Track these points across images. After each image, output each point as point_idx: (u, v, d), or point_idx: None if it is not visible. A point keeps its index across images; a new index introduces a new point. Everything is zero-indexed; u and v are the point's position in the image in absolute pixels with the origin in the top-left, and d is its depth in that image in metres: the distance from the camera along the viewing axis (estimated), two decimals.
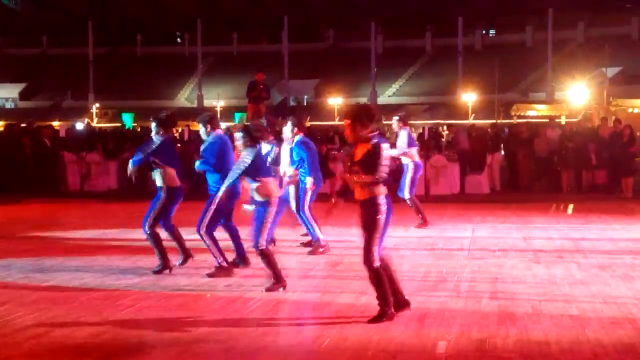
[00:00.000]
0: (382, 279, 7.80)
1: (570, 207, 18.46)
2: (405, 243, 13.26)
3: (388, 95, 67.17)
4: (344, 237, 13.58)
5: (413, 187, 15.03)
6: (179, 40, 78.10)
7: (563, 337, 7.23)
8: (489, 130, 27.60)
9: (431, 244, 13.04)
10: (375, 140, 7.69)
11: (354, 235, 13.99)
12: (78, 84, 69.02)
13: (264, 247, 9.08)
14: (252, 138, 9.20)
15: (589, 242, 13.23)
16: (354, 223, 14.92)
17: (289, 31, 68.13)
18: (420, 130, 32.43)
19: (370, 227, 7.71)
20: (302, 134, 12.15)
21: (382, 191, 7.73)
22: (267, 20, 72.03)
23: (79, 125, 38.41)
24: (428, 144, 25.87)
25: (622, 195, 21.07)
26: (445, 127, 34.18)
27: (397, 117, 15.29)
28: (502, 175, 23.92)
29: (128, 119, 50.42)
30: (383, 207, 7.71)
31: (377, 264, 7.74)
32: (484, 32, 70.89)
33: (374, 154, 7.63)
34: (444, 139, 28.30)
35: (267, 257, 9.11)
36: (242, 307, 8.51)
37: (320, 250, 11.94)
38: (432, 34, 70.43)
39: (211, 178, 10.30)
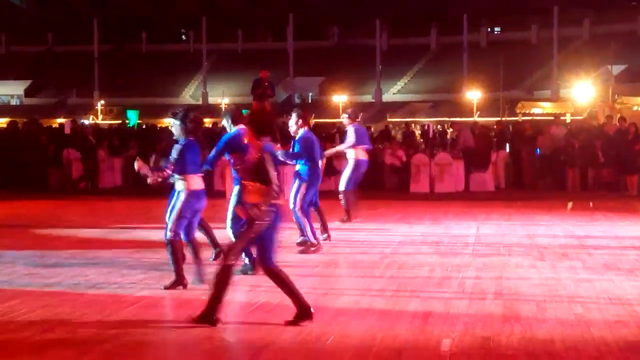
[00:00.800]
0: (225, 281, 7.46)
1: (570, 204, 18.39)
2: (410, 240, 13.25)
3: (393, 92, 67.17)
4: (347, 234, 13.59)
5: (350, 183, 14.74)
6: (183, 37, 78.15)
7: (568, 336, 7.21)
8: (494, 127, 27.58)
9: (436, 242, 13.01)
10: (264, 149, 7.52)
11: (359, 232, 14.02)
12: (83, 81, 69.11)
13: (172, 238, 8.99)
14: (186, 130, 9.14)
15: (593, 240, 13.20)
16: (357, 222, 14.94)
17: (294, 29, 68.15)
18: (426, 128, 32.38)
19: (246, 227, 7.47)
20: (306, 128, 12.12)
21: (266, 199, 7.45)
22: (271, 18, 72.02)
23: (85, 123, 38.47)
24: (433, 141, 25.82)
25: (627, 193, 21.04)
26: (449, 125, 34.14)
27: (346, 115, 15.33)
28: (507, 173, 23.90)
29: (133, 116, 50.44)
30: (262, 215, 7.40)
31: (230, 262, 7.49)
32: (488, 29, 70.83)
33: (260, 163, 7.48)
34: (449, 137, 28.23)
35: (173, 248, 8.99)
36: (245, 305, 8.49)
37: (312, 249, 11.66)
38: (437, 31, 70.36)
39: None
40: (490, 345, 6.96)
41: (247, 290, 9.14)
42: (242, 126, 10.35)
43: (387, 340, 7.10)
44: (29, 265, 10.90)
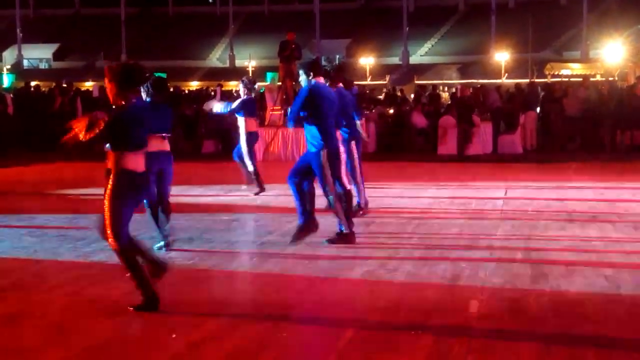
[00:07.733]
0: (134, 262, 6.91)
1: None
2: (438, 203, 13.22)
3: (420, 54, 66.64)
4: (375, 195, 13.58)
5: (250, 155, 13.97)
6: (210, 0, 77.88)
7: (597, 297, 7.19)
8: (522, 87, 27.28)
9: (464, 204, 12.98)
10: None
11: (387, 194, 14.01)
12: (110, 44, 69.19)
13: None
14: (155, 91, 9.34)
15: (623, 202, 13.11)
16: (388, 183, 14.90)
17: None
18: (454, 90, 32.16)
19: (115, 198, 6.70)
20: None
21: (133, 163, 6.74)
22: None
23: None
24: (461, 103, 25.60)
25: None
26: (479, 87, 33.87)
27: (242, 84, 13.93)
28: (537, 135, 23.74)
29: None
30: (133, 181, 6.75)
31: (123, 241, 6.84)
32: None
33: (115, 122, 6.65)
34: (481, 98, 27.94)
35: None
36: (274, 266, 8.53)
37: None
38: None
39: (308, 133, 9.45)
40: (519, 307, 6.95)
41: (279, 248, 9.18)
42: (318, 80, 9.52)
43: (416, 302, 7.11)
44: (59, 228, 11.00)
